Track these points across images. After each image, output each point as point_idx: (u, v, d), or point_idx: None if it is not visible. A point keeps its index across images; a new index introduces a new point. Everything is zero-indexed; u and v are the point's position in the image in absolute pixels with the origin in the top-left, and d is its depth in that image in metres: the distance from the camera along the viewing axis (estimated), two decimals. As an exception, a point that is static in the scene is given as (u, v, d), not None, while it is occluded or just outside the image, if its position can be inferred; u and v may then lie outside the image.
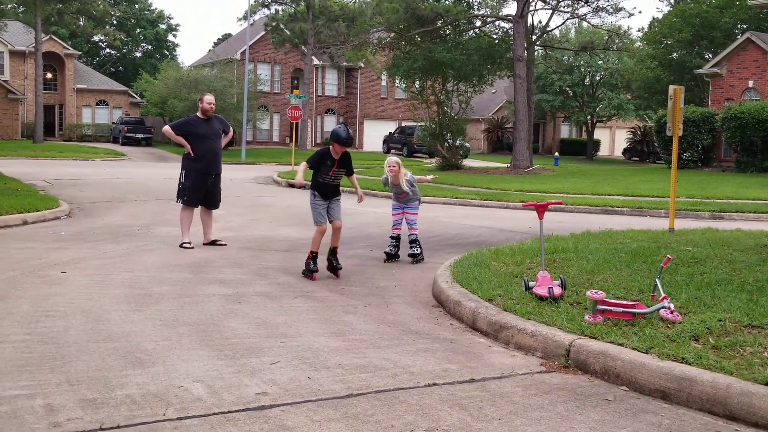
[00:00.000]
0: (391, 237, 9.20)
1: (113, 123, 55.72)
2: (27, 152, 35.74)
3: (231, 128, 10.47)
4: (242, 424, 3.71)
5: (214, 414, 3.84)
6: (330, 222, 8.09)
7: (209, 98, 9.98)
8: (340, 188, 8.31)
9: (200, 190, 9.91)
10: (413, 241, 9.12)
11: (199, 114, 9.98)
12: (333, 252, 8.06)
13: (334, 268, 8.03)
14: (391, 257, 9.09)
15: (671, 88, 10.31)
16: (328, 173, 8.01)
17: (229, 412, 3.88)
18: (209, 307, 6.34)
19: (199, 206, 10.04)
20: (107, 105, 58.66)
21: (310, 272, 7.87)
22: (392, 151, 49.10)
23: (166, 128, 10.00)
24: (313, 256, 7.95)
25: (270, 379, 4.44)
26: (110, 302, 6.41)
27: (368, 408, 4.00)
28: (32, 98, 50.36)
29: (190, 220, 9.89)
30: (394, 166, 9.05)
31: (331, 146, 8.00)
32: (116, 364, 4.66)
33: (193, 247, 9.59)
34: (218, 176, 10.14)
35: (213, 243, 9.93)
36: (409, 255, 9.10)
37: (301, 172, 8.09)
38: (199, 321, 5.84)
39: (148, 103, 52.16)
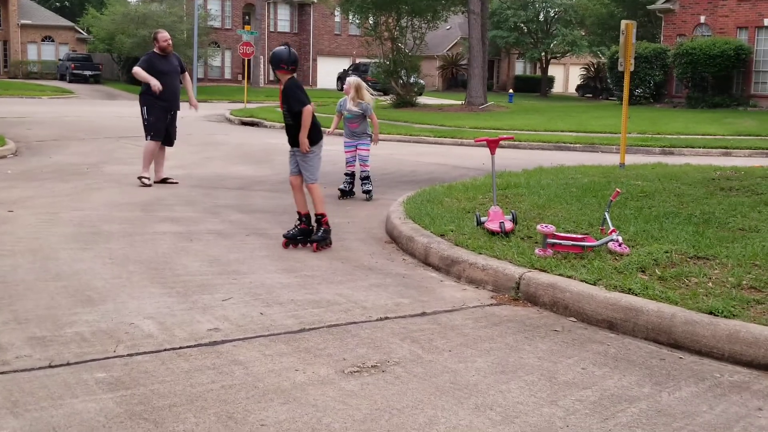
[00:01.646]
0: (346, 174, 9.15)
1: (60, 60, 53.93)
2: (-31, 90, 34.46)
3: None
4: (194, 360, 3.72)
5: (165, 350, 3.84)
6: None
7: (164, 35, 9.79)
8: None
9: (163, 126, 9.78)
10: (365, 178, 9.08)
11: (156, 50, 9.75)
12: (314, 218, 6.52)
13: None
14: (346, 194, 9.08)
15: (623, 23, 10.31)
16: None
17: (180, 348, 3.88)
18: (160, 245, 6.28)
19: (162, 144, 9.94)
20: (53, 41, 56.76)
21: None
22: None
23: (137, 69, 9.61)
24: (298, 218, 6.55)
25: (222, 315, 4.44)
26: (59, 241, 6.29)
27: (320, 342, 4.04)
28: (-27, 34, 48.33)
29: (153, 155, 9.75)
30: (351, 86, 8.94)
31: None
32: (65, 302, 4.61)
33: (150, 185, 9.46)
34: (176, 113, 10.04)
35: (164, 181, 9.79)
36: (363, 191, 9.09)
37: None
38: (150, 259, 5.78)
39: (96, 39, 50.42)
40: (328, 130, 9.40)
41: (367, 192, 9.07)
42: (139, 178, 9.56)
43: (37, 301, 4.62)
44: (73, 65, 49.46)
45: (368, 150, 9.17)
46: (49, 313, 4.37)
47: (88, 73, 49.29)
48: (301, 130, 6.24)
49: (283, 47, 6.29)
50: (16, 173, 10.38)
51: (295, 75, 6.36)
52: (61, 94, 36.85)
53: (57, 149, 13.60)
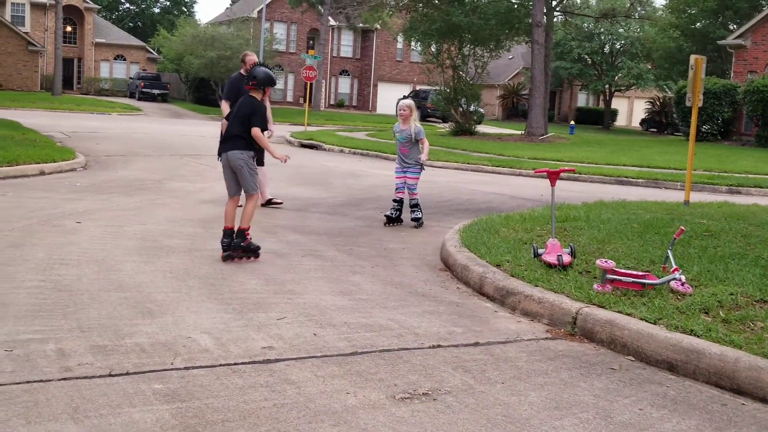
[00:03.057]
0: (394, 200, 9.06)
1: (130, 78, 55.89)
2: (45, 104, 35.80)
3: None
4: (248, 376, 3.76)
5: (220, 365, 3.89)
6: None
7: (253, 58, 9.75)
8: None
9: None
10: (414, 206, 8.98)
11: (243, 72, 9.84)
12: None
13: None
14: (392, 221, 8.95)
15: (693, 57, 10.15)
16: None
17: (235, 364, 3.93)
18: (219, 261, 6.39)
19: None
20: (125, 60, 58.87)
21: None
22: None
23: (223, 105, 9.60)
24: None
25: (276, 334, 4.48)
26: (122, 253, 6.46)
27: (372, 366, 4.04)
28: (52, 51, 50.30)
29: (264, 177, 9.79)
30: (404, 110, 8.94)
31: None
32: (127, 313, 4.72)
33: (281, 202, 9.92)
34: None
35: (269, 202, 9.85)
36: (412, 219, 8.97)
37: None
38: (208, 275, 5.89)
39: (165, 59, 52.06)
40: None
41: (416, 219, 8.95)
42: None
43: (100, 310, 4.75)
44: (142, 84, 51.05)
45: (417, 179, 9.04)
46: (111, 323, 4.49)
47: (156, 91, 50.77)
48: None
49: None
50: (84, 186, 10.72)
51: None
52: (130, 111, 37.96)
53: (124, 164, 13.99)
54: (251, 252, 6.57)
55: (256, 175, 6.80)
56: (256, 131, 6.59)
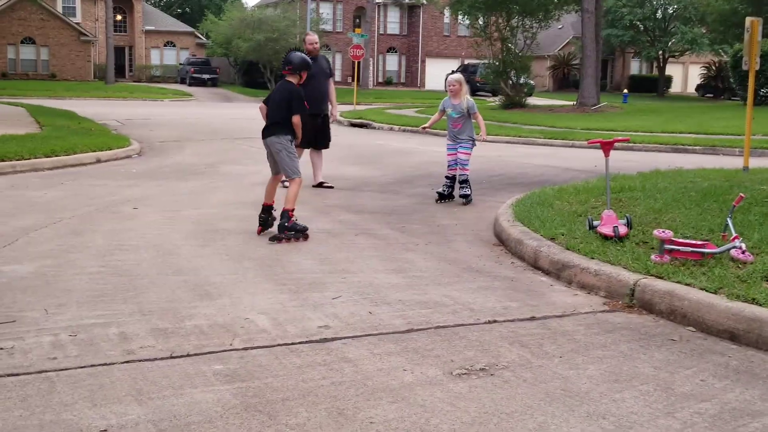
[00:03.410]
0: (446, 177, 8.97)
1: (180, 64, 56.68)
2: (99, 93, 36.65)
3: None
4: (305, 356, 3.81)
5: (278, 345, 3.95)
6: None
7: (311, 38, 9.65)
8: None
9: (310, 132, 9.01)
10: (464, 182, 8.83)
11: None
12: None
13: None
14: (444, 197, 8.87)
15: (748, 19, 9.81)
16: None
17: (292, 343, 3.98)
18: (273, 243, 6.46)
19: (309, 148, 9.68)
20: (174, 46, 59.72)
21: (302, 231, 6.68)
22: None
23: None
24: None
25: (332, 313, 4.52)
26: (179, 237, 6.59)
27: (428, 343, 4.05)
28: (103, 40, 51.33)
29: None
30: (454, 85, 8.85)
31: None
32: (185, 296, 4.82)
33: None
34: (327, 117, 9.82)
35: (320, 185, 9.76)
36: (461, 196, 8.84)
37: None
38: (263, 256, 5.97)
39: (214, 43, 52.65)
40: (423, 126, 9.63)
41: (465, 196, 8.79)
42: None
43: (159, 294, 4.85)
44: (192, 69, 51.79)
45: (468, 153, 8.90)
46: (171, 306, 4.59)
47: (206, 76, 51.46)
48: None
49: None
50: (140, 172, 10.95)
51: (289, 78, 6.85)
52: (181, 97, 38.60)
53: (177, 150, 14.23)
54: (297, 232, 6.61)
55: (296, 159, 6.84)
56: (297, 119, 6.67)
